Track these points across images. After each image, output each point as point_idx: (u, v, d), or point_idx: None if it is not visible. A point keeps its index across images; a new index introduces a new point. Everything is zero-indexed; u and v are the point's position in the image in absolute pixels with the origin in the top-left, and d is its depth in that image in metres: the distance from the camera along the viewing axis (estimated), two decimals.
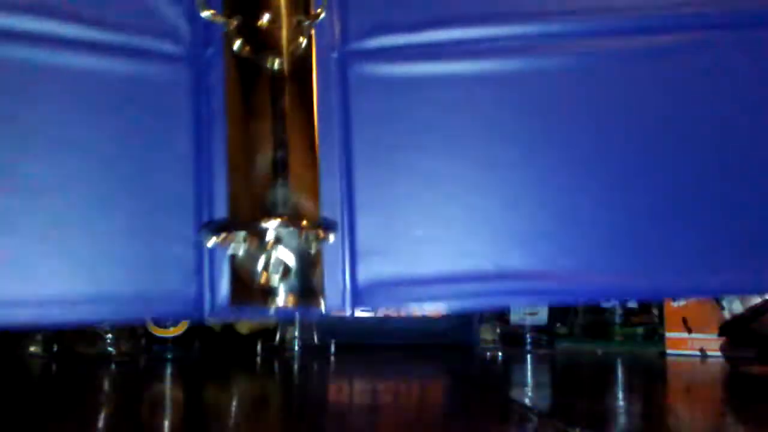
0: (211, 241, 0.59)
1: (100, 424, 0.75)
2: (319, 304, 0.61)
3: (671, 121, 0.67)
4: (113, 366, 1.14)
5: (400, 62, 0.65)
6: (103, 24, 0.60)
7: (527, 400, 0.89)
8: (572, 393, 0.99)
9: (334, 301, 0.61)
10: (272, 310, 0.58)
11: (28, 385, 1.01)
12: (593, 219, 0.67)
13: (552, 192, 0.67)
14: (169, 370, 1.16)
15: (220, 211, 0.60)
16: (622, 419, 0.78)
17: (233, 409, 0.87)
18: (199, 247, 0.60)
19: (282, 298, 0.59)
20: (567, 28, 0.66)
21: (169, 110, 0.61)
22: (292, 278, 0.59)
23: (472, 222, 0.67)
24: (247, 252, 0.59)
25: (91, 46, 0.60)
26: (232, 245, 0.60)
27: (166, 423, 0.77)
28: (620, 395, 0.96)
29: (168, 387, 1.05)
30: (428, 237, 0.64)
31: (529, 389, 1.02)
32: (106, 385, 1.04)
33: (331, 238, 0.60)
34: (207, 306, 0.60)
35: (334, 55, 0.63)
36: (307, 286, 0.60)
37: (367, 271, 0.63)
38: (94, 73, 0.60)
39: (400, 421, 0.78)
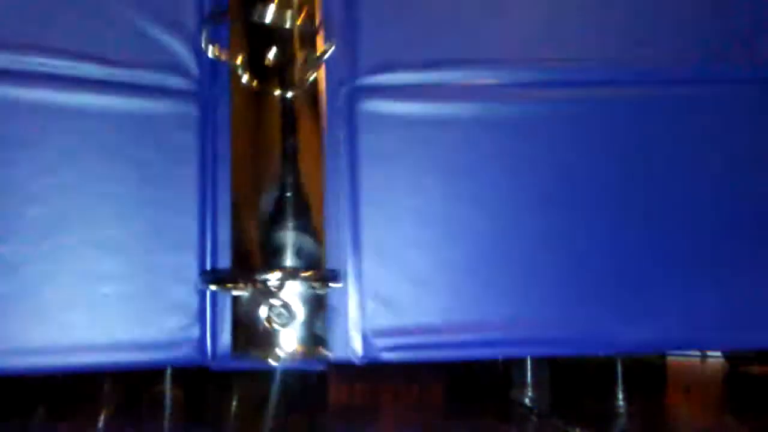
0: (213, 287, 0.59)
1: (100, 424, 0.75)
2: (324, 354, 0.60)
3: (653, 177, 0.67)
4: None
5: (406, 100, 0.65)
6: (110, 62, 0.60)
7: (527, 400, 0.89)
8: (572, 393, 0.99)
9: (340, 351, 0.61)
10: (275, 362, 0.58)
11: (29, 384, 1.01)
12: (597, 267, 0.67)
13: (558, 240, 0.67)
14: (169, 371, 1.15)
15: (224, 253, 0.61)
16: (622, 419, 0.78)
17: (233, 409, 0.87)
18: (201, 292, 0.61)
19: (286, 349, 0.58)
20: (568, 76, 0.66)
21: (175, 147, 0.61)
22: (297, 327, 0.59)
23: (476, 267, 0.67)
24: (250, 298, 0.58)
25: (99, 85, 0.60)
26: (235, 291, 0.59)
27: (166, 423, 0.77)
28: (620, 395, 0.96)
29: (168, 387, 1.05)
30: (434, 284, 0.64)
31: (529, 389, 1.02)
32: (106, 385, 1.04)
33: (336, 285, 0.60)
34: (209, 352, 0.61)
35: (343, 90, 0.64)
36: (312, 335, 0.59)
37: (372, 322, 0.63)
38: (101, 111, 0.60)
39: (401, 421, 0.78)
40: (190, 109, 0.61)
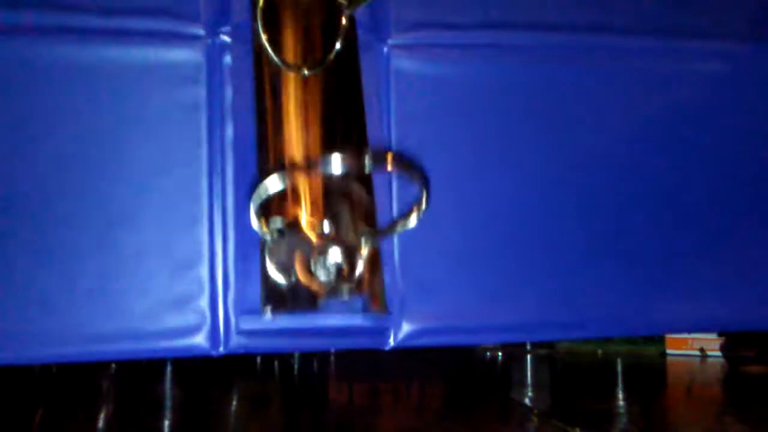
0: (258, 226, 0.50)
1: (100, 424, 0.75)
2: (382, 308, 0.53)
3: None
4: (113, 366, 1.14)
5: (438, 61, 0.64)
6: (118, 11, 0.58)
7: (527, 400, 0.89)
8: (572, 393, 0.98)
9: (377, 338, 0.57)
10: (320, 305, 0.51)
11: (28, 384, 1.01)
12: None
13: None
14: (169, 370, 1.15)
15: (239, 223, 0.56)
16: (622, 419, 0.78)
17: (233, 409, 0.87)
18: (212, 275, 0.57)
19: (341, 293, 0.50)
20: (601, 42, 0.66)
21: (187, 100, 0.58)
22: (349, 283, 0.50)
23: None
24: (287, 248, 0.51)
25: (110, 35, 0.58)
26: (270, 236, 0.51)
27: (166, 423, 0.77)
28: (620, 395, 0.96)
29: (168, 387, 1.05)
30: (466, 260, 0.63)
31: (529, 389, 1.02)
32: (106, 385, 1.04)
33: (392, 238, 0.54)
34: (222, 339, 0.56)
35: (378, 45, 0.61)
36: (368, 291, 0.53)
37: (404, 302, 0.59)
38: (112, 63, 0.58)
39: (401, 421, 0.78)
40: (198, 57, 0.59)
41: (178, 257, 0.56)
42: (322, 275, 0.49)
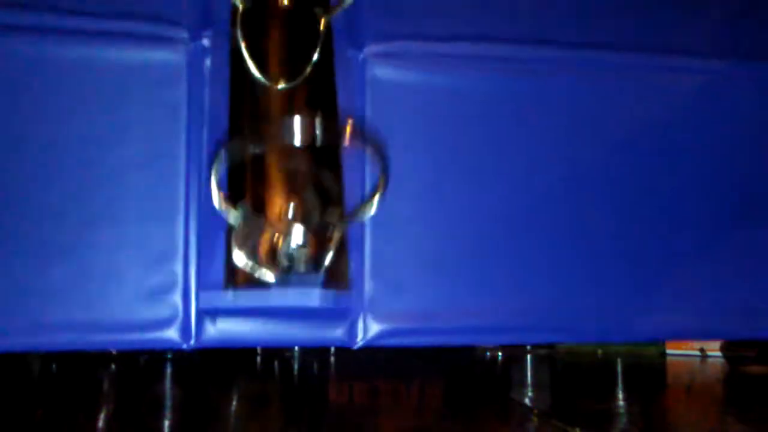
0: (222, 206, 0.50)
1: (101, 423, 0.75)
2: (345, 286, 0.52)
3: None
4: (113, 366, 1.14)
5: (416, 69, 0.64)
6: (103, 13, 0.59)
7: (527, 400, 0.89)
8: (572, 393, 0.99)
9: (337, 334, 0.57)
10: (281, 283, 0.49)
11: (29, 384, 1.01)
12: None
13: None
14: (169, 370, 1.16)
15: (218, 221, 0.55)
16: (622, 419, 0.78)
17: (233, 408, 0.87)
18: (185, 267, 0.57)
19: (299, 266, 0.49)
20: (586, 56, 0.66)
21: (167, 100, 0.59)
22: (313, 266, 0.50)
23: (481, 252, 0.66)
24: (251, 230, 0.50)
25: (92, 35, 0.59)
26: (235, 213, 0.50)
27: (167, 423, 0.77)
28: (620, 395, 0.96)
29: (168, 387, 1.05)
30: (440, 266, 0.63)
31: (529, 389, 1.02)
32: (106, 384, 1.04)
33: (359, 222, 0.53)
34: (193, 333, 0.56)
35: (354, 54, 0.61)
36: (330, 272, 0.51)
37: (374, 302, 0.59)
38: (93, 63, 0.59)
39: (400, 421, 0.78)
40: (184, 57, 0.60)
41: (153, 252, 0.57)
42: (285, 257, 0.48)
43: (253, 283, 0.50)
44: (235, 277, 0.51)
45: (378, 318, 0.60)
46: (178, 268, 0.57)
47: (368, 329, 0.59)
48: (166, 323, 0.57)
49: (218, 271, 0.53)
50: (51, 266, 0.57)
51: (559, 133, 0.65)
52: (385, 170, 0.50)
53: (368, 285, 0.58)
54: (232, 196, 0.51)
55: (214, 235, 0.55)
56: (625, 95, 0.66)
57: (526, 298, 0.64)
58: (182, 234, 0.57)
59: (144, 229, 0.58)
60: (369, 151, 0.52)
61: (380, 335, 0.60)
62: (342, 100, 0.58)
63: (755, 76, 0.69)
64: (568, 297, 0.64)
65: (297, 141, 0.49)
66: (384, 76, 0.62)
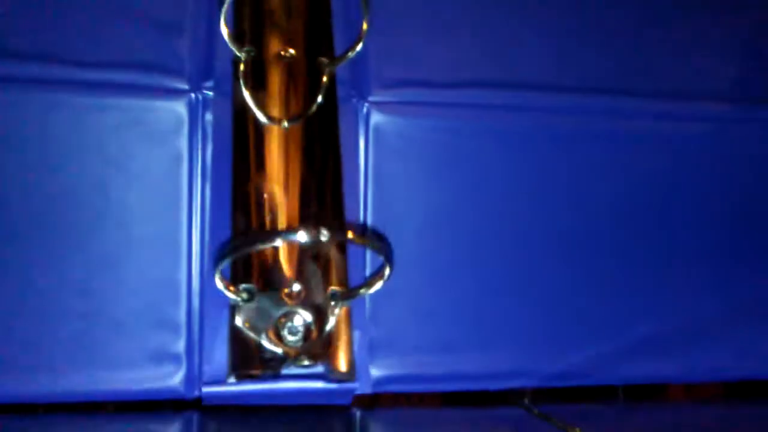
0: (223, 288, 0.50)
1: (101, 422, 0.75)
2: (350, 373, 0.51)
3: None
4: None
5: (422, 116, 0.65)
6: (106, 64, 0.61)
7: (527, 400, 0.89)
8: (572, 392, 0.99)
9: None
10: (283, 373, 0.50)
11: None
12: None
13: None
14: None
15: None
16: (622, 419, 0.78)
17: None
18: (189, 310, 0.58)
19: (301, 362, 0.50)
20: (587, 104, 0.67)
21: (166, 149, 0.60)
22: (314, 340, 0.50)
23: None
24: (257, 309, 0.50)
25: (94, 86, 0.60)
26: (238, 298, 0.50)
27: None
28: (620, 395, 0.96)
29: None
30: (438, 314, 0.64)
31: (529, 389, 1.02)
32: None
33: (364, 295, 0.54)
34: (197, 385, 0.57)
35: (356, 102, 0.63)
36: (332, 352, 0.51)
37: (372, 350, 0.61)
38: (96, 113, 0.60)
39: (400, 421, 0.78)
40: (181, 110, 0.61)
41: (155, 304, 0.58)
42: (290, 338, 0.49)
43: (257, 367, 0.51)
44: (238, 364, 0.51)
45: (377, 368, 0.61)
46: (182, 319, 0.58)
47: (368, 381, 0.61)
48: (169, 376, 0.59)
49: (222, 349, 0.53)
50: (54, 316, 0.57)
51: (563, 180, 0.66)
52: (389, 262, 0.51)
53: (369, 336, 0.60)
54: (237, 276, 0.52)
55: (217, 313, 0.55)
56: (631, 140, 0.67)
57: (522, 346, 0.65)
58: (185, 288, 0.58)
59: (147, 282, 0.58)
60: (372, 250, 0.53)
61: (379, 382, 0.61)
62: (345, 146, 0.58)
63: (761, 118, 0.69)
64: (564, 348, 0.66)
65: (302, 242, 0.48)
66: (387, 123, 0.64)
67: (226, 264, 0.49)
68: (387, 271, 0.50)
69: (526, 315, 0.69)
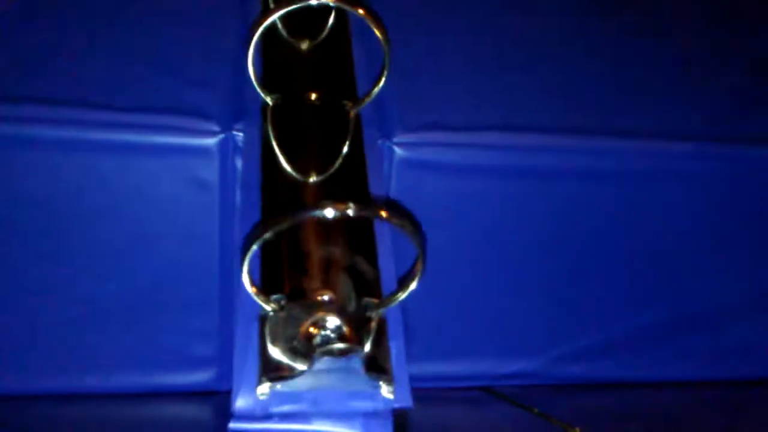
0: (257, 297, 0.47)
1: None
2: (388, 382, 0.46)
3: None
4: None
5: (444, 157, 0.66)
6: (136, 109, 0.62)
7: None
8: (572, 392, 1.00)
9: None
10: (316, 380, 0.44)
11: None
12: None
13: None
14: None
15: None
16: (622, 419, 0.80)
17: None
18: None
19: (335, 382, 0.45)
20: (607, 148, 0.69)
21: (200, 191, 0.62)
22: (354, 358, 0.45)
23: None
24: (287, 319, 0.47)
25: (126, 126, 0.62)
26: (269, 307, 0.47)
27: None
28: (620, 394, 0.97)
29: None
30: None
31: None
32: None
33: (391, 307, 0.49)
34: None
35: (383, 142, 0.64)
36: (371, 366, 0.46)
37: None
38: (131, 153, 0.62)
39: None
40: (213, 151, 0.63)
41: (192, 331, 0.61)
42: (323, 348, 0.45)
43: (289, 375, 0.45)
44: (269, 367, 0.46)
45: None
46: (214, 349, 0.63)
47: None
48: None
49: (253, 366, 0.47)
50: (95, 344, 0.61)
51: (572, 215, 0.67)
52: (423, 254, 0.46)
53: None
54: (267, 286, 0.49)
55: (248, 325, 0.50)
56: (633, 177, 0.68)
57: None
58: (218, 316, 0.61)
59: (182, 313, 0.62)
60: (407, 232, 0.49)
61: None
62: (372, 187, 0.58)
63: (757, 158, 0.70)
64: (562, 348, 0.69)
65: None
66: (411, 163, 0.65)
67: (255, 251, 0.45)
68: (420, 264, 0.46)
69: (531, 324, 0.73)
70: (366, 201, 0.55)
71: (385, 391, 0.45)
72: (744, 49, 0.77)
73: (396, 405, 0.46)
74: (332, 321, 0.46)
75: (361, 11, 0.56)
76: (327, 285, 0.48)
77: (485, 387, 0.77)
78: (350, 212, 0.40)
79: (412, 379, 0.65)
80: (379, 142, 0.63)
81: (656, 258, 0.72)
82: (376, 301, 0.48)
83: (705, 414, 0.78)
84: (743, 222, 0.72)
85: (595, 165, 0.67)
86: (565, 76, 0.69)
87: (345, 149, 0.57)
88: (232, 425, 0.45)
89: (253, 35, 0.55)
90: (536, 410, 0.85)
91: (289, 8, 0.54)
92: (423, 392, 0.75)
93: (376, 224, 0.54)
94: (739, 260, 0.73)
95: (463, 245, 0.68)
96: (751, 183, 0.70)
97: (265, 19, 0.54)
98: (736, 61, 0.75)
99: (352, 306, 0.48)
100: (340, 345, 0.44)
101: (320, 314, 0.46)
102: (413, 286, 0.47)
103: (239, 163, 0.62)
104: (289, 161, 0.56)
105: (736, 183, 0.70)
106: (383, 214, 0.44)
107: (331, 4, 0.56)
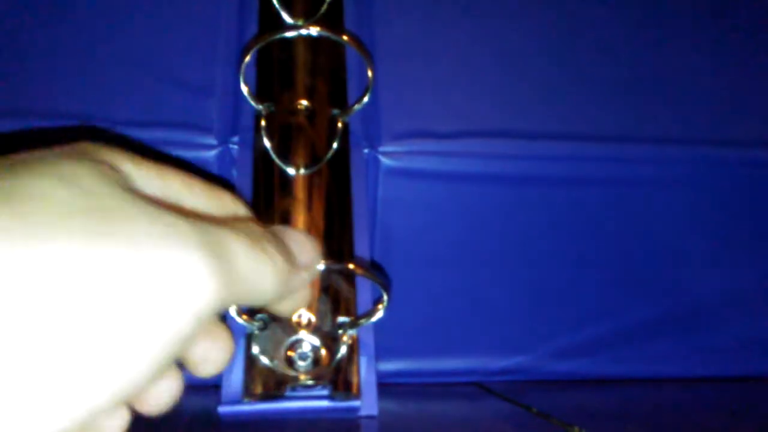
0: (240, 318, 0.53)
1: None
2: (355, 396, 0.53)
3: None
4: None
5: (430, 165, 0.66)
6: (135, 123, 0.63)
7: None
8: (567, 388, 1.01)
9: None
10: (295, 396, 0.51)
11: None
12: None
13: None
14: None
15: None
16: (622, 418, 0.80)
17: None
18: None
19: (311, 384, 0.52)
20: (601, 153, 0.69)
21: None
22: (324, 366, 0.52)
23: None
24: (270, 337, 0.53)
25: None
26: (253, 326, 0.53)
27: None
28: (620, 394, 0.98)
29: None
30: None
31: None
32: None
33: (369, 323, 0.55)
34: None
35: (369, 150, 0.65)
36: (341, 376, 0.53)
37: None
38: None
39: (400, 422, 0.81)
40: (210, 164, 0.64)
41: None
42: (300, 363, 0.52)
43: (271, 385, 0.53)
44: (253, 383, 0.53)
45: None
46: None
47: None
48: None
49: (238, 378, 0.54)
50: None
51: (561, 223, 0.67)
52: (386, 291, 0.53)
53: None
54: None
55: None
56: (627, 184, 0.68)
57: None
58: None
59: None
60: (372, 281, 0.55)
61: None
62: (356, 191, 0.61)
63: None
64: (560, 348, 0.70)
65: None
66: (396, 172, 0.66)
67: None
68: (385, 300, 0.53)
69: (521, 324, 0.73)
70: (347, 203, 0.60)
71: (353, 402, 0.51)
72: (744, 50, 0.77)
73: (362, 413, 0.53)
74: (308, 343, 0.52)
75: (345, 38, 0.60)
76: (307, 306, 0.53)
77: (479, 383, 0.77)
78: (320, 267, 0.42)
79: (405, 375, 0.68)
80: (366, 151, 0.64)
81: (654, 256, 0.72)
82: (349, 320, 0.54)
83: (704, 411, 0.78)
84: (743, 222, 0.72)
85: (584, 171, 0.67)
86: (552, 83, 0.69)
87: (333, 147, 0.61)
88: (221, 408, 0.52)
89: (244, 59, 0.60)
90: (535, 410, 0.85)
91: (274, 37, 0.59)
92: (416, 388, 0.77)
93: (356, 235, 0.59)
94: (738, 257, 0.73)
95: (451, 250, 0.68)
96: (750, 184, 0.70)
97: (253, 46, 0.60)
98: (735, 63, 0.75)
99: (327, 325, 0.53)
100: (309, 380, 0.51)
101: (300, 333, 0.52)
102: (379, 314, 0.53)
103: (234, 180, 0.63)
104: (281, 159, 0.59)
105: (735, 183, 0.71)
106: (350, 267, 0.52)
107: (315, 34, 0.60)
